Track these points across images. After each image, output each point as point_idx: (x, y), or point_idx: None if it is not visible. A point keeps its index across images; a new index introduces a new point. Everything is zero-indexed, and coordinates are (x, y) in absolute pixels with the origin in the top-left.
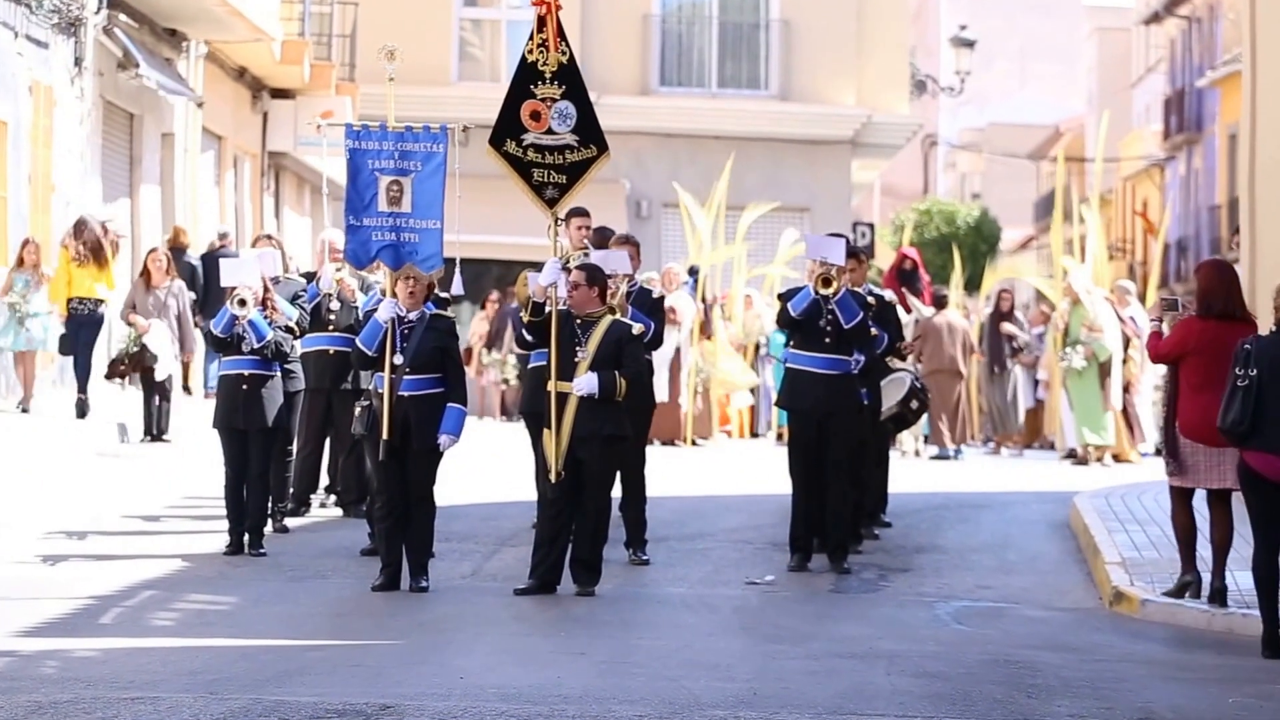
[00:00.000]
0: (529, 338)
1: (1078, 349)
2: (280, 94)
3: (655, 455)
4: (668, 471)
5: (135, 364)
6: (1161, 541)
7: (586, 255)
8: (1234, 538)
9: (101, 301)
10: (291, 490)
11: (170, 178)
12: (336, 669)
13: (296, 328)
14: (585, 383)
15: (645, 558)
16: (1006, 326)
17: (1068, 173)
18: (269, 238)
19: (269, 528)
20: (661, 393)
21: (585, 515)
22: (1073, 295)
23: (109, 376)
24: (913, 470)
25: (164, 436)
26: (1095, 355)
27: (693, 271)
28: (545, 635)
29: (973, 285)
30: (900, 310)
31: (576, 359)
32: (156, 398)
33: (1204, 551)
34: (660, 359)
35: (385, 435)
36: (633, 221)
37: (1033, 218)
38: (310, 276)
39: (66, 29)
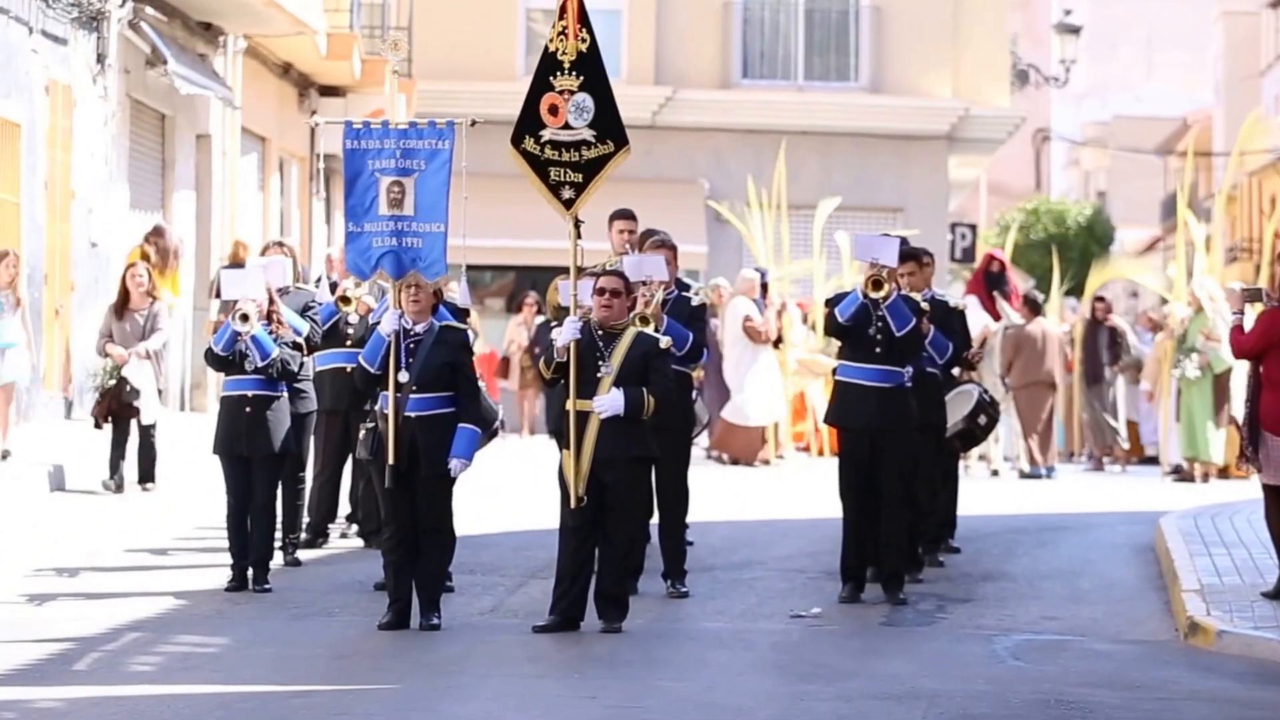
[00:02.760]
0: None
1: (1193, 357)
2: (329, 91)
3: (729, 477)
4: (738, 494)
5: (114, 401)
6: (1247, 566)
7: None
8: None
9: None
10: (307, 520)
11: (207, 183)
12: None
13: (305, 343)
14: (609, 402)
15: (684, 590)
16: (1115, 320)
17: (1195, 168)
18: (280, 244)
19: (279, 561)
20: (761, 415)
21: (610, 544)
22: (1196, 302)
23: (98, 424)
24: (996, 490)
25: (146, 485)
26: (1211, 366)
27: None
28: (558, 677)
29: (1080, 290)
30: (988, 318)
31: (599, 375)
32: (137, 439)
33: None
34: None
35: (391, 460)
36: (711, 224)
37: (1160, 217)
38: (344, 297)
39: (87, 24)
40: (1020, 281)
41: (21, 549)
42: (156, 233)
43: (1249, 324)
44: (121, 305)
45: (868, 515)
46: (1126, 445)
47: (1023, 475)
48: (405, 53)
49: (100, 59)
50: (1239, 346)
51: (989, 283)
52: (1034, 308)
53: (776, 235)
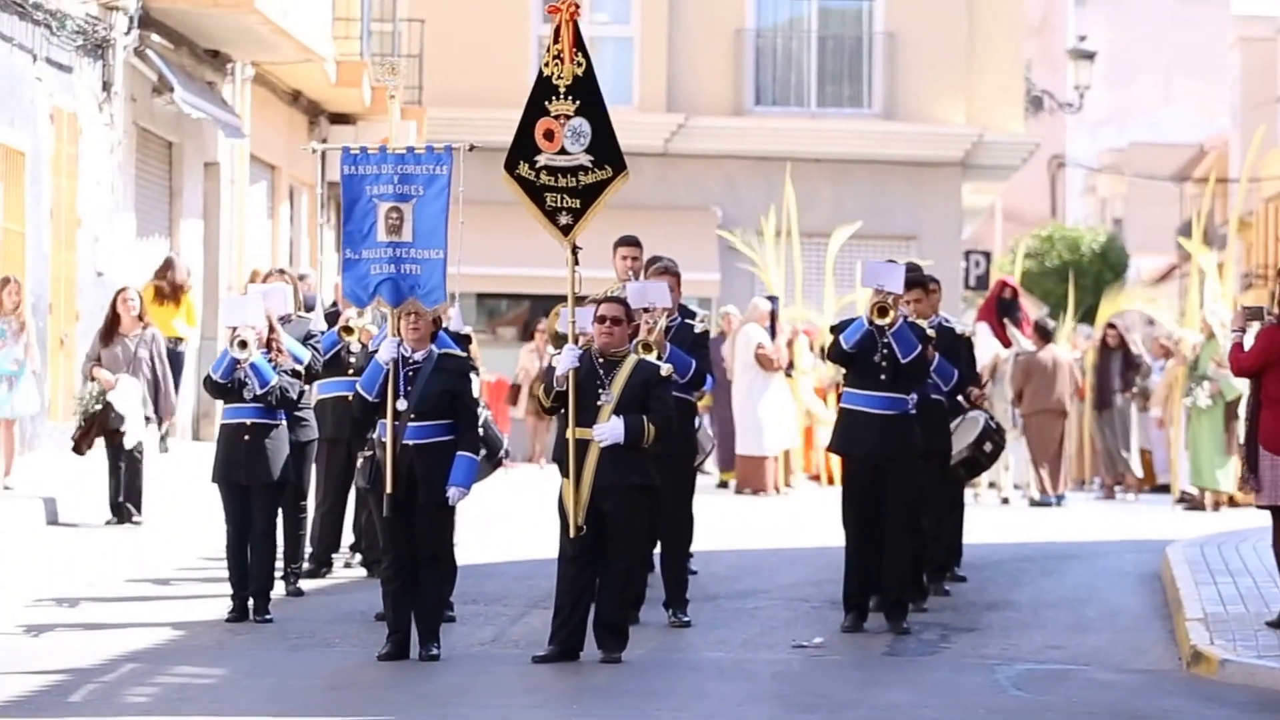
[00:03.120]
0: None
1: (1204, 385)
2: (339, 119)
3: (738, 505)
4: (745, 522)
5: (98, 427)
6: (1252, 595)
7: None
8: None
9: (181, 339)
10: (310, 550)
11: (215, 211)
12: None
13: (306, 371)
14: (609, 430)
15: (686, 619)
16: (1135, 344)
17: (1212, 195)
18: (281, 272)
19: (281, 590)
20: (771, 445)
21: (609, 573)
22: (1207, 329)
23: (78, 451)
24: (1005, 518)
25: (134, 518)
26: (1222, 393)
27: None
28: (555, 708)
29: (1090, 317)
30: (999, 345)
31: (599, 403)
32: (123, 468)
33: None
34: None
35: (389, 488)
36: (723, 252)
37: (1176, 244)
38: (346, 327)
39: (93, 51)
40: (1033, 309)
41: (21, 580)
42: (167, 266)
43: (1249, 342)
44: (111, 329)
45: (871, 543)
46: (1140, 474)
47: (1033, 503)
48: (403, 77)
49: (106, 86)
50: (1239, 364)
51: (1001, 309)
52: (1044, 335)
53: (789, 264)
